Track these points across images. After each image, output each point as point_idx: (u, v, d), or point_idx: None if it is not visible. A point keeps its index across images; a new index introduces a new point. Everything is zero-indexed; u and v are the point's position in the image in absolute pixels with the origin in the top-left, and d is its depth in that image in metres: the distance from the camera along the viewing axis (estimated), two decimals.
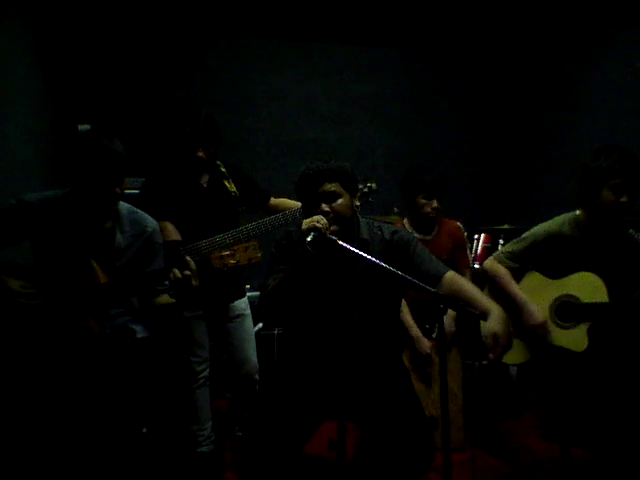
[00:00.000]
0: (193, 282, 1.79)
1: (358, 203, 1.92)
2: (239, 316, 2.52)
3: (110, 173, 1.80)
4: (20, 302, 1.79)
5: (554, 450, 2.32)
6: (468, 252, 2.96)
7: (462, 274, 2.74)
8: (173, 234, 2.26)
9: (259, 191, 2.64)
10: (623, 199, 2.05)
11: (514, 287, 2.23)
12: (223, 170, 2.49)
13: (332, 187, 1.79)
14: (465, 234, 3.03)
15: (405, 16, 4.31)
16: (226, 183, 2.47)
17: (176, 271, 1.78)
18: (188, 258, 1.81)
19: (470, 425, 2.70)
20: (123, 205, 1.99)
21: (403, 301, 2.65)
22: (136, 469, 1.94)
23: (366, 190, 2.52)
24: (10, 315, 1.78)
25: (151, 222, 2.04)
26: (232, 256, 1.85)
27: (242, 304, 2.54)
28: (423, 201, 2.71)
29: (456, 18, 4.36)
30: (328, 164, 1.81)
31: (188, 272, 1.78)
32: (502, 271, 2.26)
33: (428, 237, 2.78)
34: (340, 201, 1.80)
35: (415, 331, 2.66)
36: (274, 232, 2.39)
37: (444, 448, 1.43)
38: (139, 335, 2.01)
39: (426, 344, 2.64)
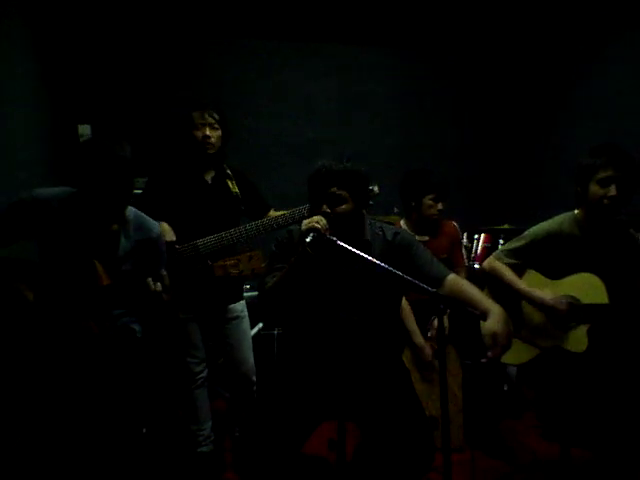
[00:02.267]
0: (164, 297, 1.74)
1: (364, 212, 1.90)
2: (236, 318, 2.52)
3: (121, 183, 1.78)
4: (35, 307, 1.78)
5: (554, 450, 2.32)
6: (463, 251, 2.96)
7: (457, 272, 2.76)
8: (168, 234, 2.26)
9: (260, 200, 2.62)
10: (611, 192, 2.03)
11: (518, 280, 2.23)
12: (228, 172, 2.51)
13: (339, 192, 1.77)
14: (465, 234, 3.02)
15: (405, 16, 4.31)
16: (229, 183, 2.48)
17: (150, 282, 1.73)
18: (164, 272, 1.77)
19: (470, 425, 2.70)
20: (130, 209, 1.96)
21: (408, 307, 2.65)
22: (136, 469, 1.94)
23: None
24: (14, 317, 1.78)
25: (156, 228, 2.02)
26: (235, 266, 1.85)
27: (239, 306, 2.54)
28: (430, 202, 2.72)
29: (456, 18, 4.36)
30: (343, 166, 1.78)
31: (160, 287, 1.73)
32: (503, 268, 2.25)
33: (426, 238, 2.79)
34: (344, 207, 1.78)
35: (419, 339, 2.64)
36: (273, 234, 2.39)
37: (444, 448, 1.43)
38: (140, 335, 2.01)
39: (428, 351, 2.63)
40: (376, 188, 2.53)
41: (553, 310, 2.15)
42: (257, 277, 1.93)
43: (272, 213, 2.62)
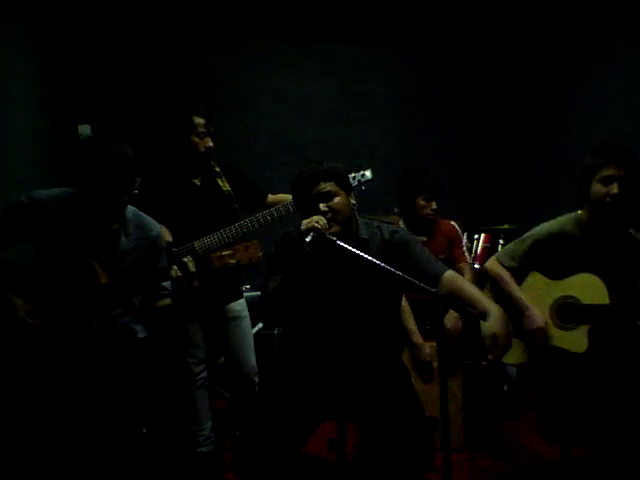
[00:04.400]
0: (195, 282, 1.81)
1: (354, 201, 1.92)
2: (236, 318, 2.51)
3: (121, 180, 1.78)
4: (24, 324, 1.78)
5: (554, 450, 2.31)
6: (464, 248, 2.96)
7: (460, 269, 2.75)
8: (165, 235, 2.26)
9: (255, 189, 2.63)
10: (613, 190, 2.03)
11: (516, 290, 2.22)
12: (217, 169, 2.50)
13: (327, 187, 1.80)
14: (465, 234, 3.01)
15: (405, 16, 4.31)
16: (219, 182, 2.48)
17: (175, 269, 1.79)
18: (188, 258, 1.81)
19: (470, 425, 2.70)
20: (129, 208, 1.97)
21: (407, 306, 2.64)
22: (136, 469, 1.94)
23: (360, 178, 2.50)
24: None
25: (156, 227, 2.02)
26: (233, 256, 1.85)
27: (238, 306, 2.53)
28: (423, 203, 2.72)
29: (456, 18, 4.36)
30: (321, 165, 1.83)
31: (189, 271, 1.79)
32: (504, 274, 2.24)
33: (424, 238, 2.78)
34: (337, 200, 1.81)
35: (417, 338, 2.64)
36: (268, 228, 2.39)
37: (444, 448, 1.43)
38: (140, 335, 2.01)
39: (426, 351, 2.63)
40: (368, 173, 2.52)
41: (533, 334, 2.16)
42: (255, 266, 1.92)
43: (270, 198, 2.62)
